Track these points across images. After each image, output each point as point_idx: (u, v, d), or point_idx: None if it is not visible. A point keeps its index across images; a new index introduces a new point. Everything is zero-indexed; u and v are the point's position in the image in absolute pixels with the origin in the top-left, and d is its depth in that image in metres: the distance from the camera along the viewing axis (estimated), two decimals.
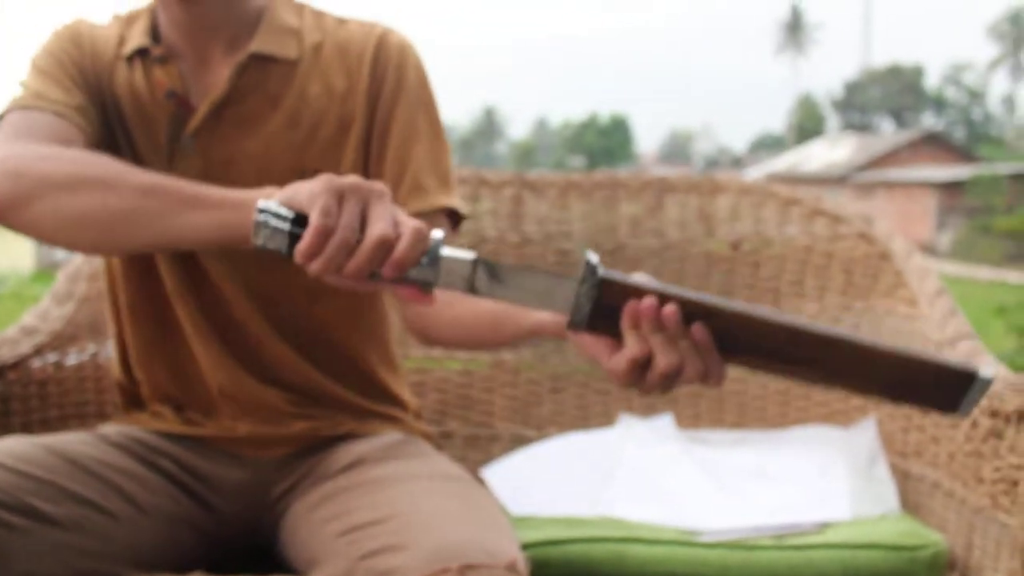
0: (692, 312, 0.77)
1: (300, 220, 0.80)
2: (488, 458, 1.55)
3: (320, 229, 0.78)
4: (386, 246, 0.78)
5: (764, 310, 0.77)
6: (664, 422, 1.58)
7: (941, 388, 0.73)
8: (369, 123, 1.11)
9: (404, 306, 1.11)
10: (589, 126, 72.16)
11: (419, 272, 0.79)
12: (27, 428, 1.26)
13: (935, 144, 34.41)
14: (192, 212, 0.88)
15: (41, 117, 1.00)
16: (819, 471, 1.41)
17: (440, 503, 0.95)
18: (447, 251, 0.79)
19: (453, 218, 1.14)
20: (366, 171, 1.11)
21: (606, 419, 1.61)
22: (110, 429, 1.13)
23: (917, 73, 63.58)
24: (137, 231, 0.90)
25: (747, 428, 1.60)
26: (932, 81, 65.93)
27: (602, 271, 0.78)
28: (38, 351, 1.30)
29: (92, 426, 1.28)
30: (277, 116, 1.09)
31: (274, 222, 0.79)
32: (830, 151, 34.72)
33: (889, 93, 61.81)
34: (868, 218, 1.68)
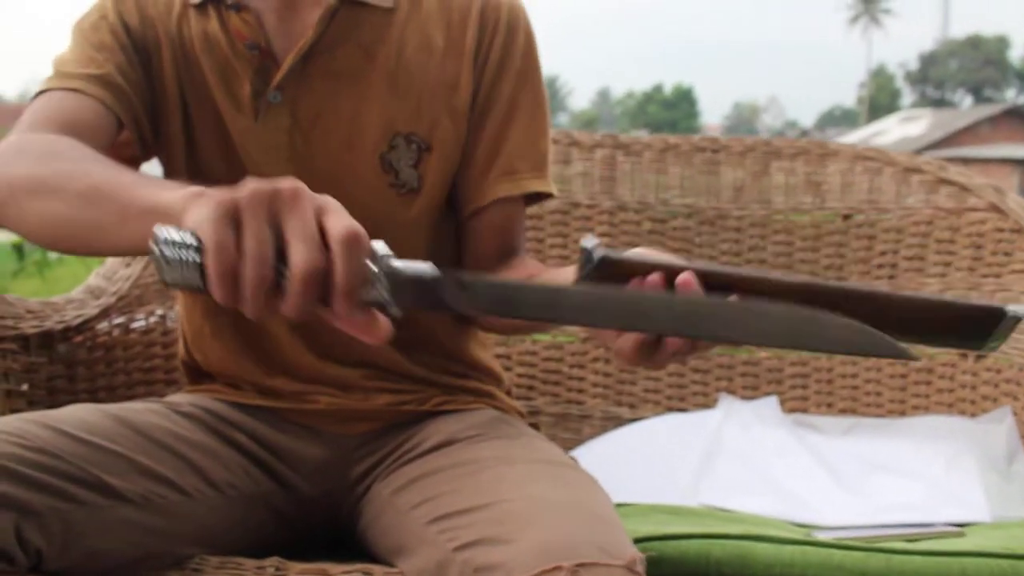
0: (705, 281, 0.72)
1: None
2: (578, 439, 1.45)
3: (219, 270, 0.59)
4: (317, 278, 0.59)
5: (779, 273, 0.73)
6: (768, 405, 1.46)
7: (968, 327, 0.70)
8: (474, 90, 1.01)
9: None
10: (653, 97, 71.24)
11: (371, 292, 0.62)
12: (93, 395, 1.19)
13: (1017, 119, 33.19)
14: (126, 224, 0.73)
15: (55, 99, 0.92)
16: (947, 465, 1.28)
17: (544, 491, 0.85)
18: (402, 264, 0.63)
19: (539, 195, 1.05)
20: (456, 143, 1.01)
21: (705, 400, 1.49)
22: (180, 398, 1.05)
23: (1000, 44, 61.27)
24: (89, 242, 0.77)
25: (860, 415, 1.47)
26: (1017, 53, 63.55)
27: (600, 252, 0.72)
28: (104, 313, 1.23)
29: (161, 394, 1.21)
30: (371, 70, 0.98)
31: (174, 253, 0.60)
32: (904, 126, 33.78)
33: (968, 66, 59.75)
34: (1000, 189, 1.52)
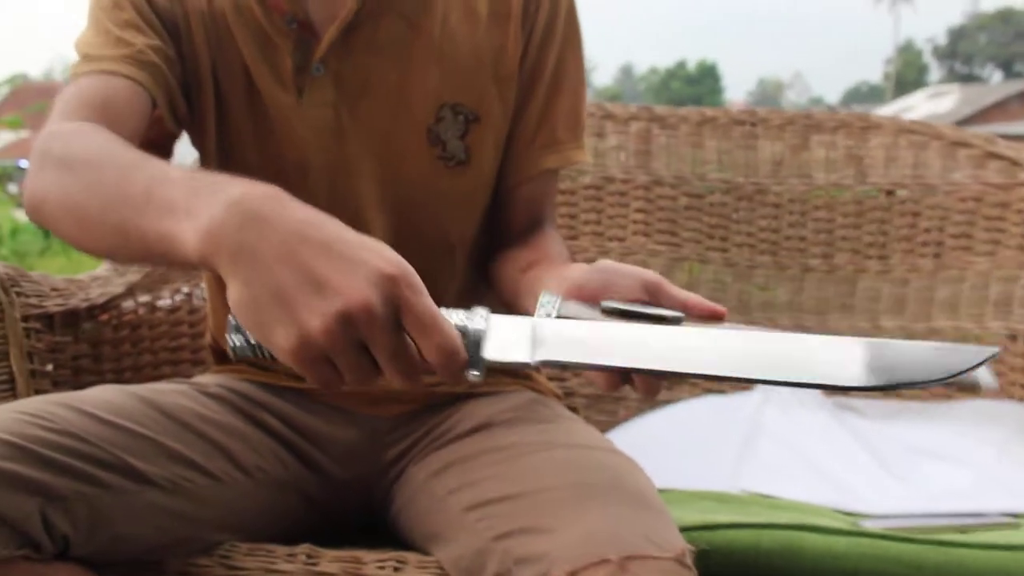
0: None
1: None
2: (613, 421, 1.41)
3: (325, 388, 0.63)
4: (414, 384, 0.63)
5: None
6: None
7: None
8: (521, 56, 0.97)
9: None
10: (676, 73, 70.67)
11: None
12: (118, 375, 1.16)
13: None
14: (151, 259, 0.69)
15: (86, 83, 0.88)
16: (997, 452, 1.23)
17: (587, 477, 0.81)
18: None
19: None
20: (504, 112, 0.97)
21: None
22: (208, 379, 1.02)
23: None
24: (130, 260, 0.74)
25: (904, 399, 1.42)
26: None
27: (556, 315, 0.73)
28: (130, 291, 1.20)
29: (187, 374, 1.18)
30: (416, 40, 0.94)
31: (255, 351, 0.65)
32: (931, 102, 33.27)
33: (999, 40, 58.71)
34: None
